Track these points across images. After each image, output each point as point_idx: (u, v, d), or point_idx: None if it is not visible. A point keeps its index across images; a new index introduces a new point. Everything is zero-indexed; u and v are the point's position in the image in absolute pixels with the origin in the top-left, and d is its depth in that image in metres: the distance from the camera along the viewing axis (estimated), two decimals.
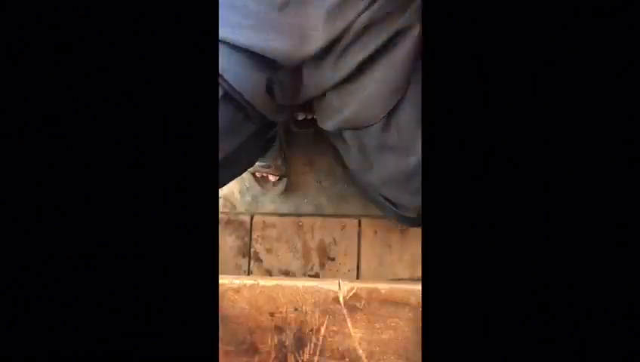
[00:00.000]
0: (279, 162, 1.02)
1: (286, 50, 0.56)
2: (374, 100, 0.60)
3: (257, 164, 1.00)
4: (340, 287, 0.48)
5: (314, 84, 0.62)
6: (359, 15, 0.55)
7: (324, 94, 0.63)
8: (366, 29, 0.57)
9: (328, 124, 0.66)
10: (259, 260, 1.06)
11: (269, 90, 0.61)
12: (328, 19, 0.54)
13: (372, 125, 0.62)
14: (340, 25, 0.55)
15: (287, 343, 0.48)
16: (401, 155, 0.62)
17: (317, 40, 0.55)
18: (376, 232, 1.03)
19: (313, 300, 0.48)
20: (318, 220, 1.05)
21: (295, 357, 0.48)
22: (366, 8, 0.55)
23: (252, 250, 1.06)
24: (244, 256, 1.06)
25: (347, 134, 0.66)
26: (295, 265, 1.05)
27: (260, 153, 0.92)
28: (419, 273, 1.01)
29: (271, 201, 1.07)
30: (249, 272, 1.05)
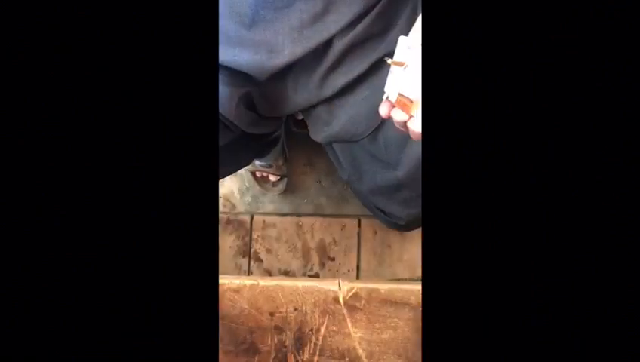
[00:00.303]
0: (280, 162, 1.02)
1: (252, 64, 0.58)
2: (361, 118, 0.62)
3: (258, 163, 1.00)
4: (340, 287, 0.48)
5: (301, 98, 0.63)
6: (334, 36, 0.57)
7: (313, 107, 0.64)
8: (348, 51, 0.58)
9: (319, 137, 0.68)
10: (259, 260, 1.06)
11: (248, 103, 0.63)
12: (296, 37, 0.56)
13: (360, 139, 0.64)
14: (309, 43, 0.57)
15: (287, 343, 0.48)
16: (389, 168, 0.64)
17: (285, 55, 0.57)
18: (376, 232, 1.03)
19: (313, 300, 0.48)
20: (318, 220, 1.05)
21: (295, 357, 0.48)
22: (342, 31, 0.57)
23: (252, 249, 1.06)
24: (243, 256, 1.06)
25: (337, 146, 0.67)
26: (295, 264, 1.05)
27: (251, 158, 0.94)
28: (419, 273, 1.01)
29: (271, 201, 1.08)
30: (249, 272, 1.05)
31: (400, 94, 0.43)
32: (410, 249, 1.03)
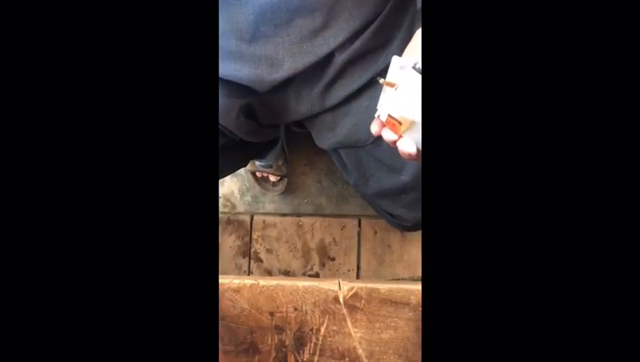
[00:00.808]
0: (280, 162, 1.02)
1: (253, 78, 0.59)
2: (364, 125, 0.63)
3: (258, 164, 1.00)
4: (340, 287, 0.48)
5: (304, 108, 0.64)
6: (334, 51, 0.58)
7: (316, 116, 0.65)
8: (349, 64, 0.59)
9: (324, 144, 0.69)
10: (259, 260, 1.06)
11: (247, 113, 0.64)
12: (296, 51, 0.57)
13: (365, 145, 0.64)
14: (309, 57, 0.58)
15: (287, 343, 0.48)
16: (394, 172, 0.64)
17: (285, 69, 0.58)
18: (376, 232, 1.03)
19: (313, 300, 0.48)
20: (318, 220, 1.05)
21: (295, 357, 0.48)
22: (342, 46, 0.57)
23: (252, 249, 1.06)
24: (244, 256, 1.06)
25: (343, 151, 0.68)
26: (295, 264, 1.05)
27: (248, 159, 0.96)
28: (419, 273, 1.01)
29: (271, 201, 1.08)
30: (249, 272, 1.05)
31: (389, 115, 0.44)
32: (410, 249, 1.03)
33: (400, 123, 0.43)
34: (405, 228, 0.72)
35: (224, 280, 0.49)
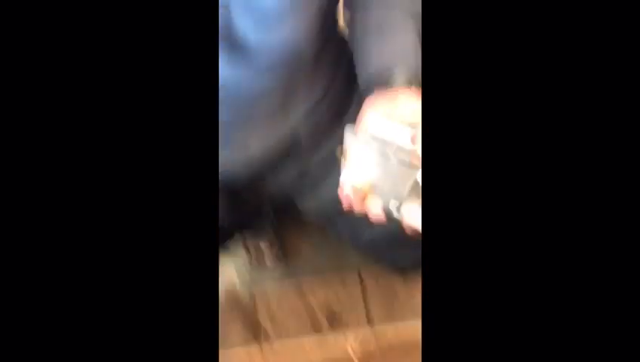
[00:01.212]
0: (271, 232, 1.02)
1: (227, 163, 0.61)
2: None
3: (248, 238, 1.00)
4: (347, 339, 0.48)
5: (284, 181, 0.67)
6: (297, 127, 0.62)
7: (297, 186, 0.68)
8: (315, 132, 0.63)
9: (310, 213, 0.72)
10: (267, 336, 1.03)
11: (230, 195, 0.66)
12: (263, 133, 0.62)
13: None
14: (274, 136, 0.62)
15: None
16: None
17: (256, 148, 0.63)
18: (378, 280, 1.02)
19: (322, 358, 0.47)
20: (318, 280, 1.04)
21: None
22: (305, 117, 0.62)
23: (262, 328, 1.03)
24: (255, 339, 1.03)
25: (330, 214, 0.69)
26: (303, 330, 1.02)
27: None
28: None
29: (269, 274, 1.06)
30: (262, 350, 1.02)
31: (353, 186, 0.45)
32: (415, 292, 1.01)
33: (363, 190, 0.44)
34: (405, 270, 0.73)
35: None
